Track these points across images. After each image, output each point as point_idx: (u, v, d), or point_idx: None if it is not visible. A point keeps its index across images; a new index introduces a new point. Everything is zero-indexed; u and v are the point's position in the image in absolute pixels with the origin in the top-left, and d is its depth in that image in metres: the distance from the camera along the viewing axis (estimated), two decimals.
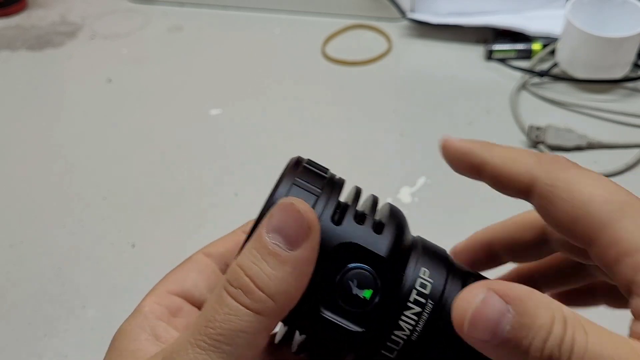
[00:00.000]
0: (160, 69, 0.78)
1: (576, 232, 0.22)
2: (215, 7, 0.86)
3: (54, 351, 0.51)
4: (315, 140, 0.67)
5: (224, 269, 0.30)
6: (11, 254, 0.58)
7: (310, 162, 0.26)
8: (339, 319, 0.23)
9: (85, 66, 0.79)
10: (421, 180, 0.61)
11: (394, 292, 0.24)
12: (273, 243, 0.22)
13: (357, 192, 0.27)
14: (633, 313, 0.20)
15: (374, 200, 0.26)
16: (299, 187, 0.24)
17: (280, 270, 0.21)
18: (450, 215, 0.59)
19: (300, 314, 0.23)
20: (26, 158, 0.67)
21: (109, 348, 0.25)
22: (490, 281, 0.21)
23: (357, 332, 0.23)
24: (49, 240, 0.58)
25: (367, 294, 0.23)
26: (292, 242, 0.22)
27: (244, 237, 0.28)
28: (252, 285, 0.21)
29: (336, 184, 0.26)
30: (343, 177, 0.27)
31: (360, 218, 0.24)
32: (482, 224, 0.59)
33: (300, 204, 0.22)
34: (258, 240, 0.22)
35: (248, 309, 0.21)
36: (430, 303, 0.24)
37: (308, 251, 0.22)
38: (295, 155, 0.26)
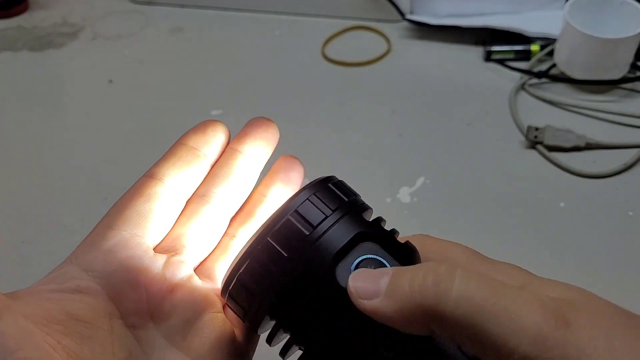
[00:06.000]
0: (161, 70, 0.78)
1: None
2: (215, 8, 0.86)
3: None
4: (315, 141, 0.68)
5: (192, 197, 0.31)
6: (12, 254, 0.58)
7: (337, 183, 0.27)
8: None
9: (87, 67, 0.79)
10: (420, 180, 0.61)
11: None
12: None
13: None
14: None
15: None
16: (312, 203, 0.25)
17: None
18: (450, 215, 0.59)
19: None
20: (27, 158, 0.67)
21: None
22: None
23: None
24: (49, 240, 0.59)
25: None
26: None
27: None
28: None
29: (354, 209, 0.26)
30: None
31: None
32: (481, 223, 0.60)
33: None
34: None
35: None
36: None
37: None
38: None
